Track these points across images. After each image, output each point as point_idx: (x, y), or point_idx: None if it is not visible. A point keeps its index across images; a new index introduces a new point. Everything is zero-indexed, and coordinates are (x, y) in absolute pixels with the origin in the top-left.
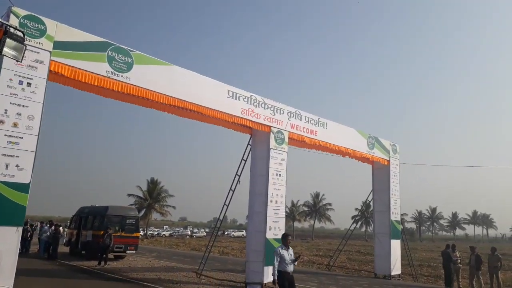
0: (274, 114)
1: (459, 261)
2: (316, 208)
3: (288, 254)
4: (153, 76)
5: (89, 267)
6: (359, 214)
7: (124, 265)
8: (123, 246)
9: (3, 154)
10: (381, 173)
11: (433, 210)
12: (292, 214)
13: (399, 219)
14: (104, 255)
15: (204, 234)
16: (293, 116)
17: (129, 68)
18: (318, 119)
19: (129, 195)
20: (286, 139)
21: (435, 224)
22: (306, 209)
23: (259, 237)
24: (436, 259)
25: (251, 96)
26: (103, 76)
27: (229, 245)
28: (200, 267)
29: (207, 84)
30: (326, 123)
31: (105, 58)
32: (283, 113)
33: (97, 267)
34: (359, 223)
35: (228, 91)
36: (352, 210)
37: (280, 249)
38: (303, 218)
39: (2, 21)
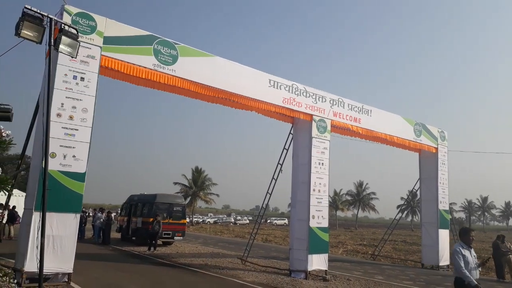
0: (316, 102)
1: (509, 252)
2: (360, 197)
3: (472, 256)
4: (197, 67)
5: (139, 252)
6: (405, 203)
7: (172, 251)
8: (171, 232)
9: (61, 145)
10: (428, 162)
11: (484, 199)
12: (334, 203)
13: (447, 208)
14: (154, 241)
15: (247, 221)
16: (335, 104)
17: (174, 60)
18: (362, 106)
19: (175, 183)
20: (329, 128)
21: (486, 214)
22: (349, 198)
23: (303, 225)
24: (488, 250)
25: (292, 84)
26: (150, 69)
27: (272, 233)
28: (245, 254)
29: (248, 74)
30: (370, 110)
31: (152, 52)
32: (325, 101)
33: (147, 252)
34: (405, 212)
35: (270, 80)
36: (397, 199)
37: (460, 248)
38: (346, 207)
39: (58, 20)
